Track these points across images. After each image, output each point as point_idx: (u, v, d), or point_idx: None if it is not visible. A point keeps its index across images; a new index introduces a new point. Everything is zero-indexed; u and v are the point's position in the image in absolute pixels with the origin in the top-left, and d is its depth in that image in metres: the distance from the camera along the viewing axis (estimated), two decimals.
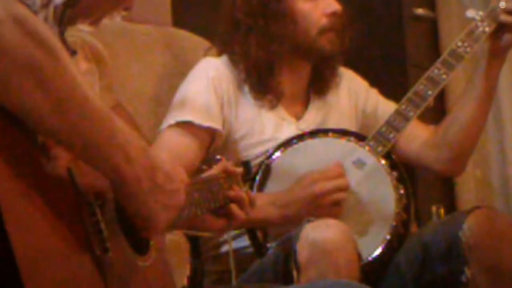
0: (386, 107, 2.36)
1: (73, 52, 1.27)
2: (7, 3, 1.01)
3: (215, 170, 1.72)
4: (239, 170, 1.76)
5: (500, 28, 2.25)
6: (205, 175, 1.71)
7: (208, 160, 2.15)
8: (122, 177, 1.14)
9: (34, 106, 1.03)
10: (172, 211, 1.23)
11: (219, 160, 1.77)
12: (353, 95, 2.39)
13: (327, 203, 2.09)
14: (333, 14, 2.24)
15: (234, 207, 1.70)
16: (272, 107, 2.25)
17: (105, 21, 1.40)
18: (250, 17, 2.24)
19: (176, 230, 1.85)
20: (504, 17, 2.24)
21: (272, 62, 2.22)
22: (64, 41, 1.26)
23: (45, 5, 1.22)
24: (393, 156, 2.22)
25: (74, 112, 1.06)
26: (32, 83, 1.02)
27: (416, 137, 2.35)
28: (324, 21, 2.24)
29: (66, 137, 1.07)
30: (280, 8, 2.22)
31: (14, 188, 0.99)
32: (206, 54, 2.34)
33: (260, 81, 2.23)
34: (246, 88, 2.24)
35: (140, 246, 1.27)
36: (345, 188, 2.11)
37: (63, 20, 1.26)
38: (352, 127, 2.31)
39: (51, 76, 1.03)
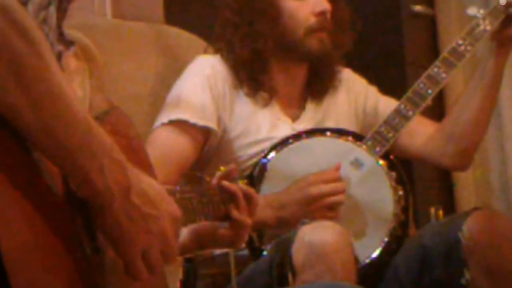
0: (386, 104, 2.34)
1: (70, 43, 1.24)
2: None
3: (214, 180, 1.67)
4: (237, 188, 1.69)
5: (508, 18, 2.24)
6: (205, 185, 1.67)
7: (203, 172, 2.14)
8: (93, 187, 1.06)
9: (11, 99, 0.99)
10: (154, 238, 1.11)
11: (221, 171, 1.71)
12: (353, 95, 2.36)
13: (323, 206, 2.07)
14: (322, 14, 2.20)
15: (232, 211, 1.65)
16: (266, 104, 2.23)
17: (96, 20, 1.38)
18: (237, 15, 2.23)
19: (187, 254, 1.82)
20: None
21: (260, 59, 2.20)
22: (61, 33, 1.22)
23: (45, 7, 1.19)
24: (392, 157, 2.20)
25: (50, 110, 1.02)
26: (10, 75, 0.98)
27: (420, 132, 2.33)
28: (312, 20, 2.21)
29: (39, 136, 1.03)
30: (266, 6, 2.20)
31: (1, 183, 0.97)
32: (205, 52, 2.31)
33: (251, 77, 2.21)
34: (241, 87, 2.22)
35: None
36: (341, 192, 2.09)
37: (59, 15, 1.22)
38: (352, 129, 2.29)
39: (31, 70, 1.00)
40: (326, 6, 2.21)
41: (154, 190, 1.13)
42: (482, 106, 2.28)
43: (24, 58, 0.99)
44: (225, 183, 1.65)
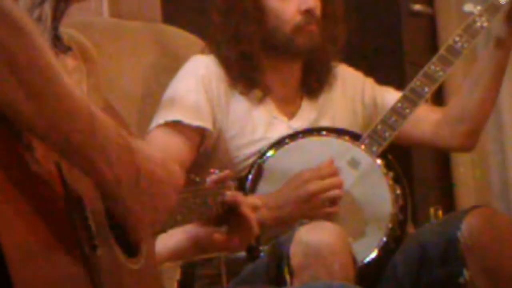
0: (383, 95, 2.35)
1: (67, 49, 1.23)
2: None
3: (208, 182, 1.68)
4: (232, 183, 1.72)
5: None
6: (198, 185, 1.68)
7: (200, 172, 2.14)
8: (102, 178, 1.09)
9: (8, 93, 0.98)
10: (160, 214, 1.19)
11: (213, 173, 1.73)
12: (349, 90, 2.36)
13: (322, 202, 2.06)
14: (308, 11, 2.19)
15: (243, 208, 1.66)
16: (261, 102, 2.22)
17: (93, 19, 1.37)
18: (223, 17, 2.23)
19: (184, 260, 1.83)
20: None
21: (249, 60, 2.20)
22: (57, 37, 1.21)
23: (39, 4, 1.18)
24: (390, 156, 2.19)
25: (50, 103, 1.00)
26: (4, 69, 0.97)
27: (426, 118, 2.32)
28: (298, 18, 2.20)
29: (43, 131, 1.02)
30: (250, 7, 2.20)
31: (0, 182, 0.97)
32: (201, 52, 2.31)
33: (244, 76, 2.20)
34: (236, 86, 2.21)
35: (130, 248, 1.24)
36: (339, 186, 2.08)
37: (56, 15, 1.21)
38: (351, 124, 2.29)
39: (25, 61, 0.98)
40: (311, 3, 2.19)
41: (159, 166, 1.18)
42: (492, 88, 2.27)
43: (14, 49, 0.97)
44: (229, 197, 1.66)
